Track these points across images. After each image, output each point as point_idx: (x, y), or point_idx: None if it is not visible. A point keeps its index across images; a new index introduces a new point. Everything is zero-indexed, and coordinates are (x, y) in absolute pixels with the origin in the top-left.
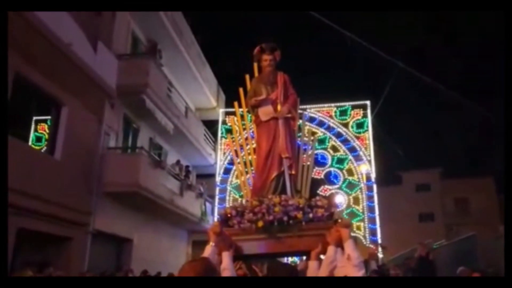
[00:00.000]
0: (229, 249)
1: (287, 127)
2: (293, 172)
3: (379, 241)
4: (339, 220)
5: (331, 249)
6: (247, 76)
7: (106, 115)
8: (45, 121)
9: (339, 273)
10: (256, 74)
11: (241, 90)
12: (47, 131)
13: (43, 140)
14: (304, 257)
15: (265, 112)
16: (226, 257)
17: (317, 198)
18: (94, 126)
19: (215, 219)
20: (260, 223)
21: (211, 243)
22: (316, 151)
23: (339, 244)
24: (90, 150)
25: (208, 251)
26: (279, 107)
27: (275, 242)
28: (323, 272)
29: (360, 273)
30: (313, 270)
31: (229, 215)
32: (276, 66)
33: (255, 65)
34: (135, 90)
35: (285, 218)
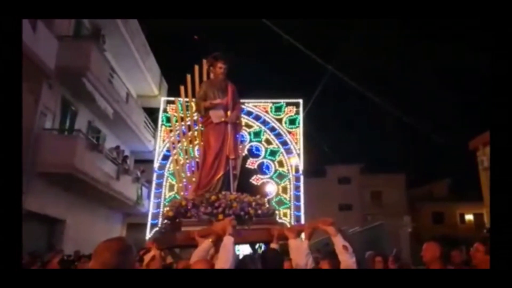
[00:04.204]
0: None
1: (234, 131)
2: (235, 172)
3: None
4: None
5: (306, 243)
6: (189, 77)
7: (43, 96)
8: None
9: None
10: (196, 74)
11: (182, 88)
12: None
13: None
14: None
15: (217, 115)
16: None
17: (258, 196)
18: (30, 106)
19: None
20: (221, 216)
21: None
22: (251, 143)
23: (309, 238)
24: (24, 130)
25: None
26: (229, 113)
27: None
28: (302, 263)
29: (353, 259)
30: (296, 247)
31: (184, 207)
32: (227, 75)
33: (196, 67)
34: (75, 72)
35: (242, 213)
